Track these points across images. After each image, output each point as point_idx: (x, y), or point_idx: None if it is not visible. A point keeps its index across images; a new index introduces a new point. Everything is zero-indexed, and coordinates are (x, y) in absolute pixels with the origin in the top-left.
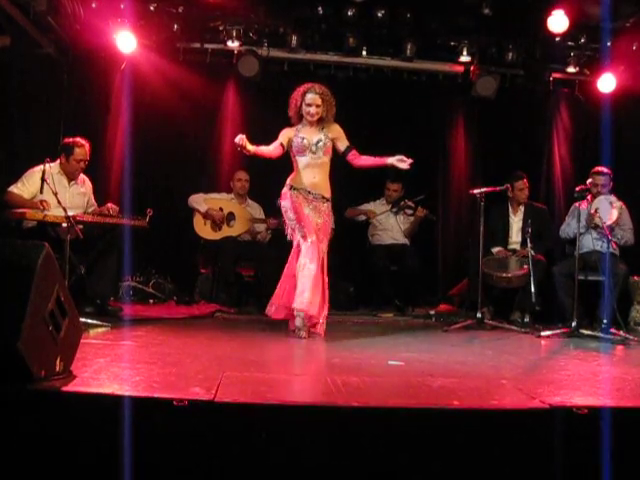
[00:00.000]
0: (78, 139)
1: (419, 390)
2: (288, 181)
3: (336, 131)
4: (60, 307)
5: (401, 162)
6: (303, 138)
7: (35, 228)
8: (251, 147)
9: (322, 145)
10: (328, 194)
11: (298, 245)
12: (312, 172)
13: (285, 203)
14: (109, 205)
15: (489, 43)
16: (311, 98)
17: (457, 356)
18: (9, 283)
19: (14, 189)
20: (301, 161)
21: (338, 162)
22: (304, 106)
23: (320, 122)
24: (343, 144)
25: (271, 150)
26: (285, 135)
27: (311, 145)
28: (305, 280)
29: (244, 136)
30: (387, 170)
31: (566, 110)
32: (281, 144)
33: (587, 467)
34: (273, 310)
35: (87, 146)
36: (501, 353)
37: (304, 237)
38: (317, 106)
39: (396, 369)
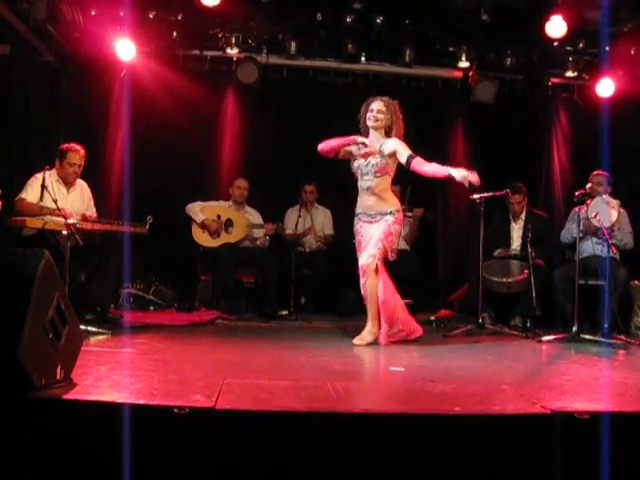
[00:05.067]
0: (73, 144)
1: (420, 396)
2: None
3: (394, 145)
4: (60, 315)
5: (465, 179)
6: (358, 163)
7: (35, 235)
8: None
9: (372, 167)
10: (386, 209)
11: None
12: (366, 195)
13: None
14: (86, 214)
15: (488, 49)
16: (376, 104)
17: (458, 362)
18: (9, 291)
19: (26, 196)
20: (358, 185)
21: (342, 168)
22: (368, 112)
23: (384, 134)
24: (404, 154)
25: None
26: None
27: (361, 168)
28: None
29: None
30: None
31: (565, 115)
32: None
33: (588, 472)
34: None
35: (82, 152)
36: (502, 358)
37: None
38: (379, 111)
39: (397, 375)
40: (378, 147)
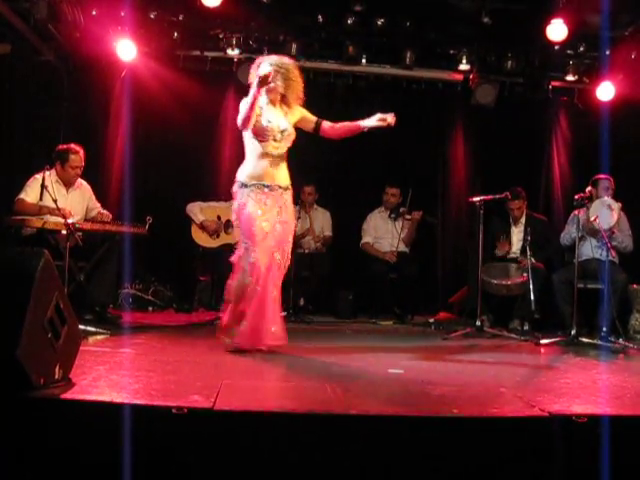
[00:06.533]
0: (72, 145)
1: (419, 398)
2: (238, 176)
3: (298, 113)
4: (59, 314)
5: (381, 120)
6: (269, 121)
7: (34, 235)
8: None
9: (287, 135)
10: (286, 182)
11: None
12: (269, 161)
13: (234, 205)
14: (102, 212)
15: (488, 51)
16: (265, 71)
17: (456, 364)
18: (8, 290)
19: (25, 197)
20: (260, 147)
21: (341, 169)
22: (256, 80)
23: (282, 104)
24: (310, 121)
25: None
26: None
27: (276, 132)
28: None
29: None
30: (386, 175)
31: (565, 118)
32: None
33: (587, 475)
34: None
35: (82, 152)
36: (500, 361)
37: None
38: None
39: (396, 377)
40: (285, 116)
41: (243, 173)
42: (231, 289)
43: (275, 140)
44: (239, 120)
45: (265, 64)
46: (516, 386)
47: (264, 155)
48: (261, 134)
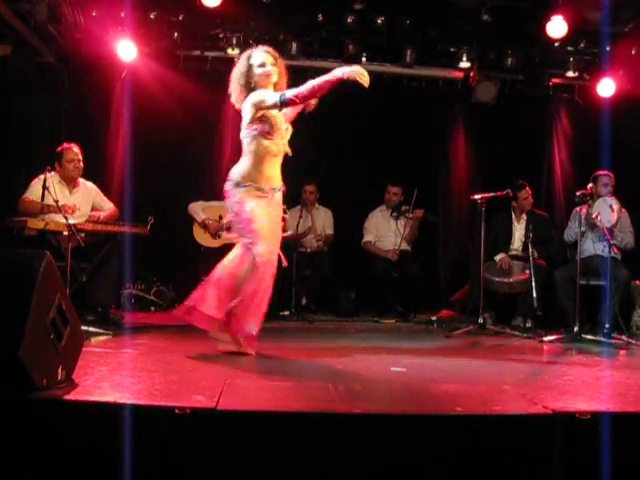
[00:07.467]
0: (65, 144)
1: (422, 396)
2: (232, 175)
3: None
4: (61, 315)
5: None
6: (277, 117)
7: (36, 236)
8: None
9: (289, 132)
10: (280, 182)
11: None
12: (271, 162)
13: (231, 203)
14: (93, 213)
15: (488, 49)
16: (265, 57)
17: (459, 362)
18: (10, 291)
19: (30, 196)
20: (265, 146)
21: (342, 168)
22: (256, 69)
23: None
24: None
25: None
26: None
27: (282, 129)
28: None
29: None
30: (387, 173)
31: (566, 115)
32: None
33: (590, 472)
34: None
35: (75, 148)
36: (503, 359)
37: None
38: (273, 65)
39: (399, 375)
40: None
41: (238, 173)
42: (231, 282)
43: (282, 137)
44: (312, 93)
45: (264, 55)
46: (519, 383)
47: (267, 155)
48: (272, 131)
